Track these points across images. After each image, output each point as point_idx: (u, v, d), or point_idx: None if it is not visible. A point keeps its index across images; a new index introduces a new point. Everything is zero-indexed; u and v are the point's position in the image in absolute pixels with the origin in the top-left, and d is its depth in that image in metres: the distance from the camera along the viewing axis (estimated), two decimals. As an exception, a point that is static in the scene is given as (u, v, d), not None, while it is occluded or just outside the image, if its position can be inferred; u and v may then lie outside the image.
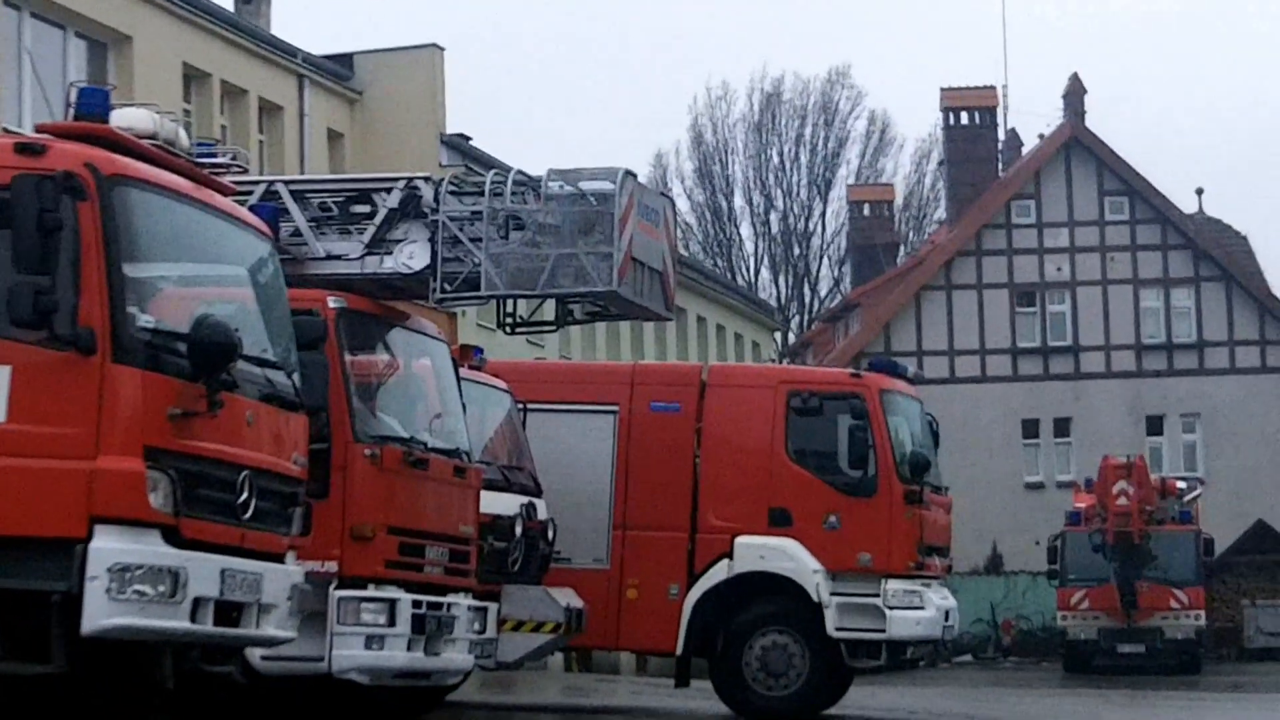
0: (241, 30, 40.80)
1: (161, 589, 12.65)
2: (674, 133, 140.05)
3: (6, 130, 28.92)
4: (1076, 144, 73.24)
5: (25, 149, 13.16)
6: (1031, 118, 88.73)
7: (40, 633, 12.52)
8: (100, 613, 12.39)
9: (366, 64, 44.53)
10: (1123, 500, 50.67)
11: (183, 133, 15.61)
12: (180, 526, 12.88)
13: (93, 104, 14.13)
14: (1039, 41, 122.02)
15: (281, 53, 41.86)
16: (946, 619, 25.68)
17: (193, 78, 38.22)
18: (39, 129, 13.99)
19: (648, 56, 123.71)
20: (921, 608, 24.89)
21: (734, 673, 24.81)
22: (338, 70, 43.82)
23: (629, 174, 21.03)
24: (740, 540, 24.60)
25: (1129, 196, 72.54)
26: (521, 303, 21.79)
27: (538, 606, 22.82)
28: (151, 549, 12.68)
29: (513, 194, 20.59)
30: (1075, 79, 74.13)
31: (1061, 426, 70.45)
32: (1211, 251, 72.29)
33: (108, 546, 12.45)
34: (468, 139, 46.19)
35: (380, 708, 19.67)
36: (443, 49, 45.27)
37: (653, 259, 21.45)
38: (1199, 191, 78.18)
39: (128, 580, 12.47)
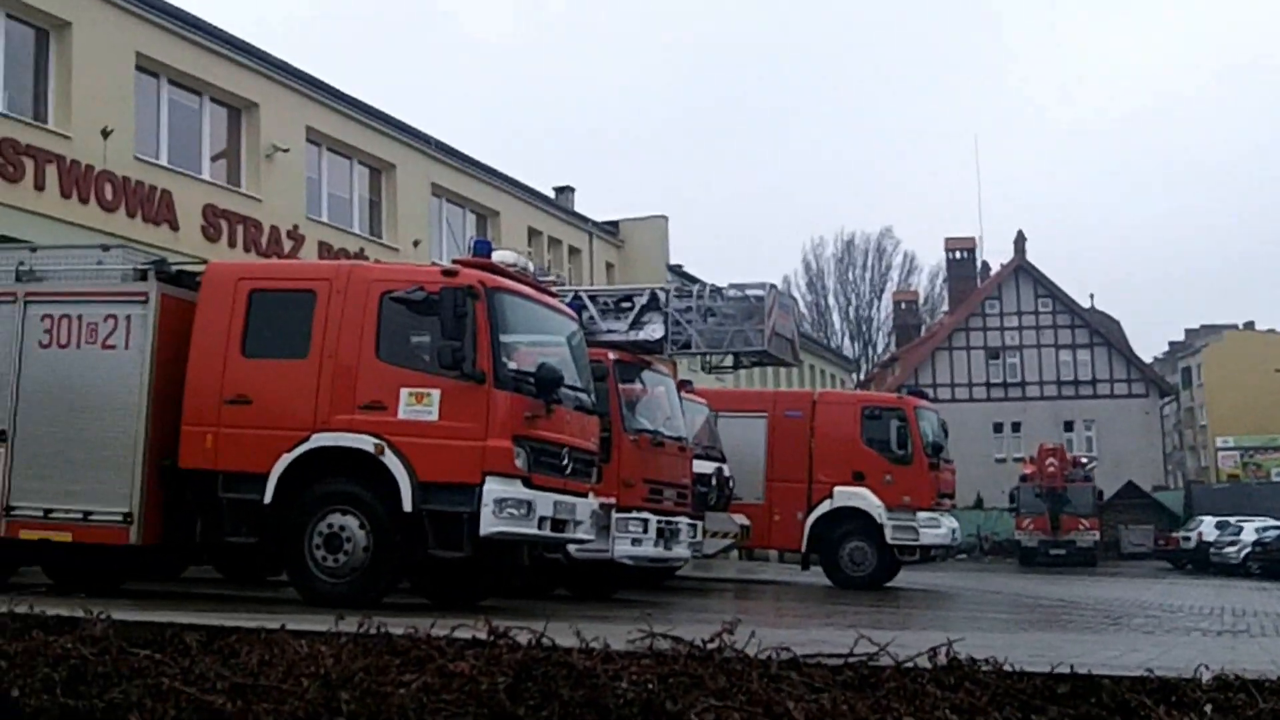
0: (558, 207, 41.18)
1: (522, 511, 12.69)
2: (793, 259, 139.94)
3: (433, 264, 29.29)
4: (1021, 269, 73.57)
5: (447, 273, 13.22)
6: (994, 254, 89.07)
7: (456, 534, 12.57)
8: (488, 524, 12.45)
9: (626, 226, 44.67)
10: (1051, 468, 50.70)
11: (531, 264, 15.79)
12: (531, 477, 12.89)
13: (482, 249, 14.24)
14: (1002, 207, 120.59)
15: (580, 220, 42.13)
16: (953, 534, 25.30)
17: (533, 234, 38.60)
18: (454, 262, 14.01)
19: (778, 217, 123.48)
20: (939, 527, 24.54)
21: (833, 562, 24.64)
22: (610, 230, 44.01)
23: (773, 285, 21.28)
24: (837, 488, 24.41)
25: (1051, 297, 72.91)
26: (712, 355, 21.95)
27: (724, 524, 22.79)
28: (516, 489, 12.69)
29: (709, 296, 20.75)
30: (1020, 233, 74.56)
31: (1015, 426, 70.00)
32: (1099, 329, 72.62)
33: (493, 487, 12.49)
34: (681, 265, 46.34)
35: (640, 577, 19.71)
36: (667, 217, 45.43)
37: (786, 332, 21.57)
38: (1091, 295, 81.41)
39: (503, 506, 12.53)
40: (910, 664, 5.27)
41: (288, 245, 27.60)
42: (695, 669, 4.85)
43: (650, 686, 4.50)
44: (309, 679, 4.48)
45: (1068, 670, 5.50)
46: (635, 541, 17.40)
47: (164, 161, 25.19)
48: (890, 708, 4.69)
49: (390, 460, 12.64)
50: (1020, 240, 73.72)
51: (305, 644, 5.38)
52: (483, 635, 5.43)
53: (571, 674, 4.62)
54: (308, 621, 6.86)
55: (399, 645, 5.35)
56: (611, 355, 18.09)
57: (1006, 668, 5.40)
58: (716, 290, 21.00)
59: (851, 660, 5.29)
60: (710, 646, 5.24)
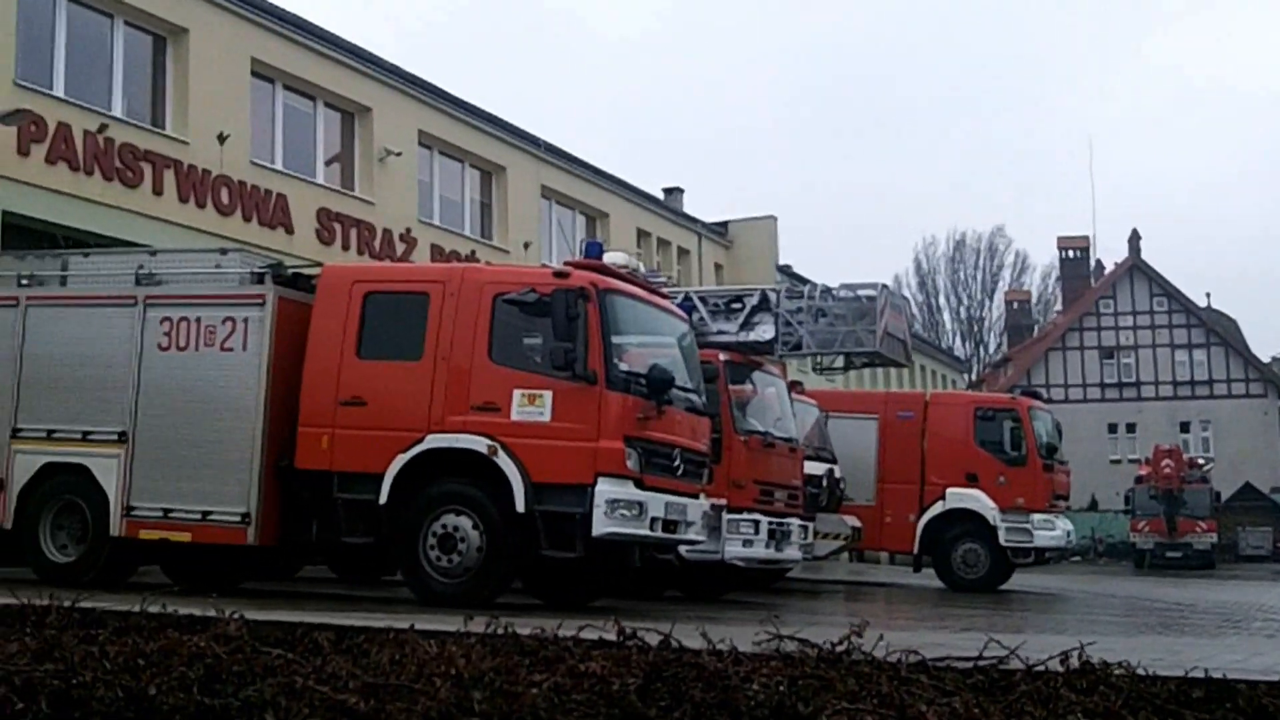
0: (667, 209, 41.17)
1: (634, 512, 12.71)
2: (904, 258, 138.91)
3: (543, 265, 29.46)
4: (1135, 268, 72.22)
5: (559, 274, 13.29)
6: (1108, 252, 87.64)
7: (568, 535, 12.65)
8: (601, 525, 12.49)
9: (735, 227, 44.50)
10: (1167, 469, 49.93)
11: (641, 265, 15.82)
12: (643, 479, 12.91)
13: (593, 250, 14.32)
14: (1115, 205, 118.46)
15: (689, 221, 42.10)
16: (1067, 536, 24.96)
17: (642, 235, 38.60)
18: (566, 263, 14.05)
19: (888, 217, 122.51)
20: (1053, 529, 24.21)
21: (946, 565, 24.43)
22: (719, 231, 43.87)
23: (885, 285, 21.18)
24: (949, 490, 24.19)
25: (1167, 296, 71.54)
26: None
27: (835, 525, 22.72)
28: (628, 490, 12.72)
29: (820, 296, 20.66)
30: (1135, 231, 73.16)
31: (1130, 428, 68.89)
32: (1214, 328, 71.18)
33: (605, 489, 12.53)
34: (790, 266, 46.15)
35: (750, 578, 19.67)
36: (776, 218, 45.21)
37: (898, 332, 21.42)
38: (1207, 294, 78.69)
39: (615, 507, 12.56)
40: (1041, 667, 5.21)
41: (400, 248, 27.90)
42: (825, 672, 4.83)
43: (781, 689, 4.49)
44: (441, 679, 4.53)
45: (1202, 675, 5.40)
46: (746, 543, 17.35)
47: (279, 166, 25.57)
48: (1024, 712, 4.63)
49: (503, 461, 12.75)
50: (1135, 239, 72.55)
51: (435, 644, 5.44)
52: (611, 636, 5.46)
53: (702, 676, 4.62)
54: (432, 621, 6.93)
55: (527, 645, 5.39)
56: (722, 356, 18.05)
57: (1139, 672, 5.31)
58: (827, 290, 20.91)
59: (981, 663, 5.24)
60: (839, 649, 5.21)
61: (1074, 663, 5.33)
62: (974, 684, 5.07)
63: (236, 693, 4.49)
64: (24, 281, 15.35)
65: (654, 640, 5.29)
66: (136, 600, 7.26)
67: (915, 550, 24.71)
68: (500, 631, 5.70)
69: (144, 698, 4.45)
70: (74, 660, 4.73)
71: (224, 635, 5.19)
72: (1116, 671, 5.27)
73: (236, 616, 5.50)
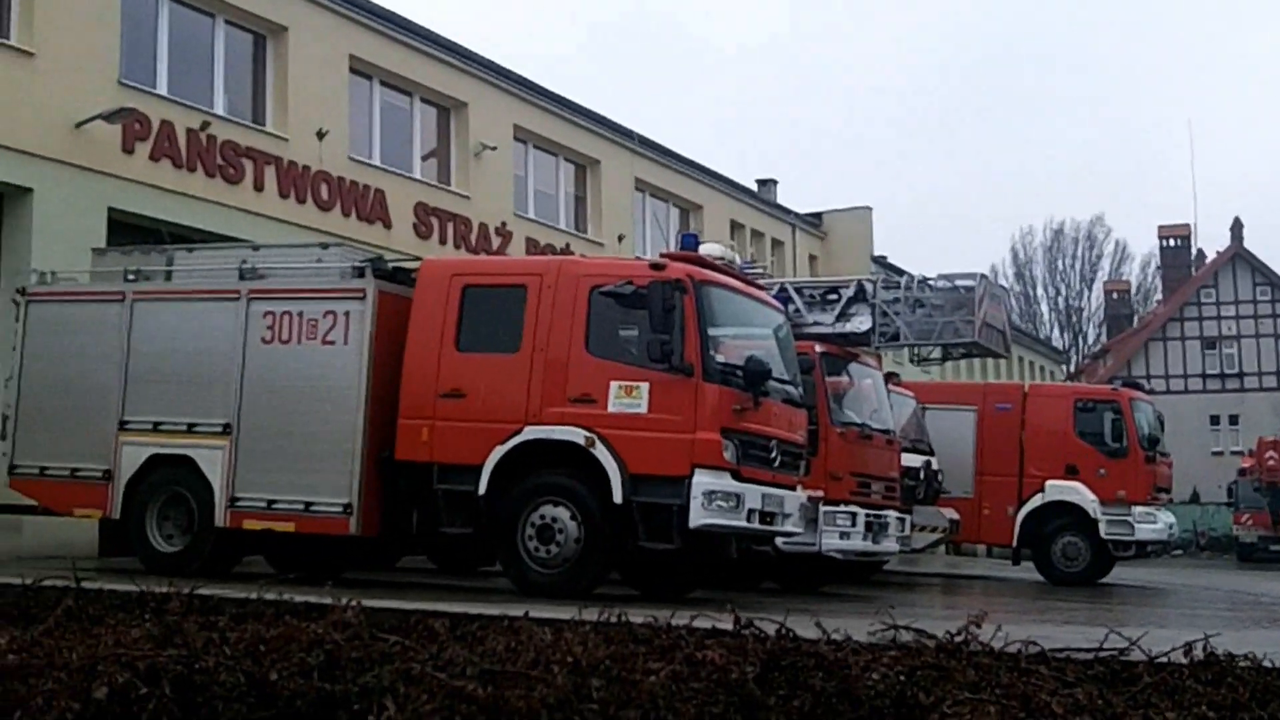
0: (761, 200, 41.01)
1: (731, 504, 12.71)
2: (1001, 248, 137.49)
3: (637, 258, 29.48)
4: (1238, 257, 71.03)
5: (655, 266, 13.30)
6: (1209, 241, 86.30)
7: (665, 526, 12.67)
8: (698, 516, 12.51)
9: (830, 218, 44.27)
10: (1271, 461, 48.91)
11: (737, 257, 15.80)
12: (740, 470, 12.91)
13: (689, 242, 14.36)
14: (1217, 193, 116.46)
15: (783, 213, 41.93)
16: (1169, 529, 24.62)
17: (735, 227, 38.48)
18: (662, 255, 14.07)
19: (983, 206, 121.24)
20: (1155, 522, 23.91)
21: (1045, 558, 24.22)
22: (813, 221, 43.68)
23: (983, 275, 21.03)
24: (1049, 482, 23.98)
25: (1270, 285, 70.36)
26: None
27: (933, 518, 22.59)
28: (725, 482, 12.72)
29: (917, 287, 20.51)
30: (1237, 219, 71.80)
31: (1233, 419, 67.59)
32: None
33: (702, 480, 12.55)
34: (885, 257, 45.82)
35: (847, 571, 19.59)
36: (870, 208, 44.92)
37: (997, 323, 21.21)
38: None
39: (712, 499, 12.56)
40: (1165, 659, 5.13)
41: (496, 242, 28.06)
42: (944, 662, 4.80)
43: (901, 678, 4.46)
44: (558, 666, 4.55)
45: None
46: (843, 535, 17.29)
47: (376, 161, 25.80)
48: (1150, 703, 4.57)
49: (600, 453, 12.80)
50: (1237, 227, 71.27)
51: (549, 632, 5.46)
52: (725, 625, 5.46)
53: (821, 665, 4.61)
54: (546, 610, 6.98)
55: (641, 634, 5.41)
56: (818, 348, 17.99)
57: (1266, 664, 5.22)
58: (924, 281, 20.74)
59: (1102, 654, 5.18)
60: (957, 640, 5.17)
61: (1198, 654, 5.25)
62: (1095, 675, 5.02)
63: (355, 679, 4.54)
64: (130, 277, 15.59)
65: (770, 630, 5.29)
66: (252, 588, 7.37)
67: (1014, 543, 24.53)
68: (614, 620, 5.72)
69: (265, 683, 4.51)
70: (196, 646, 4.80)
71: (341, 622, 5.26)
72: (1242, 664, 5.18)
73: (353, 604, 5.56)
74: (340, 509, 13.73)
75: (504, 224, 28.48)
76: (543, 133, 30.51)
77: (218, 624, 5.27)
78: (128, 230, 20.00)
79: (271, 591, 6.96)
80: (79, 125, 19.82)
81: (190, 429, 14.63)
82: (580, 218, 32.20)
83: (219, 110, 22.72)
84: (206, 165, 21.86)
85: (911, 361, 23.95)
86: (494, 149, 28.26)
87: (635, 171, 33.74)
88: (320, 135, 23.70)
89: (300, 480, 14.00)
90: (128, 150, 20.65)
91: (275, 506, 14.09)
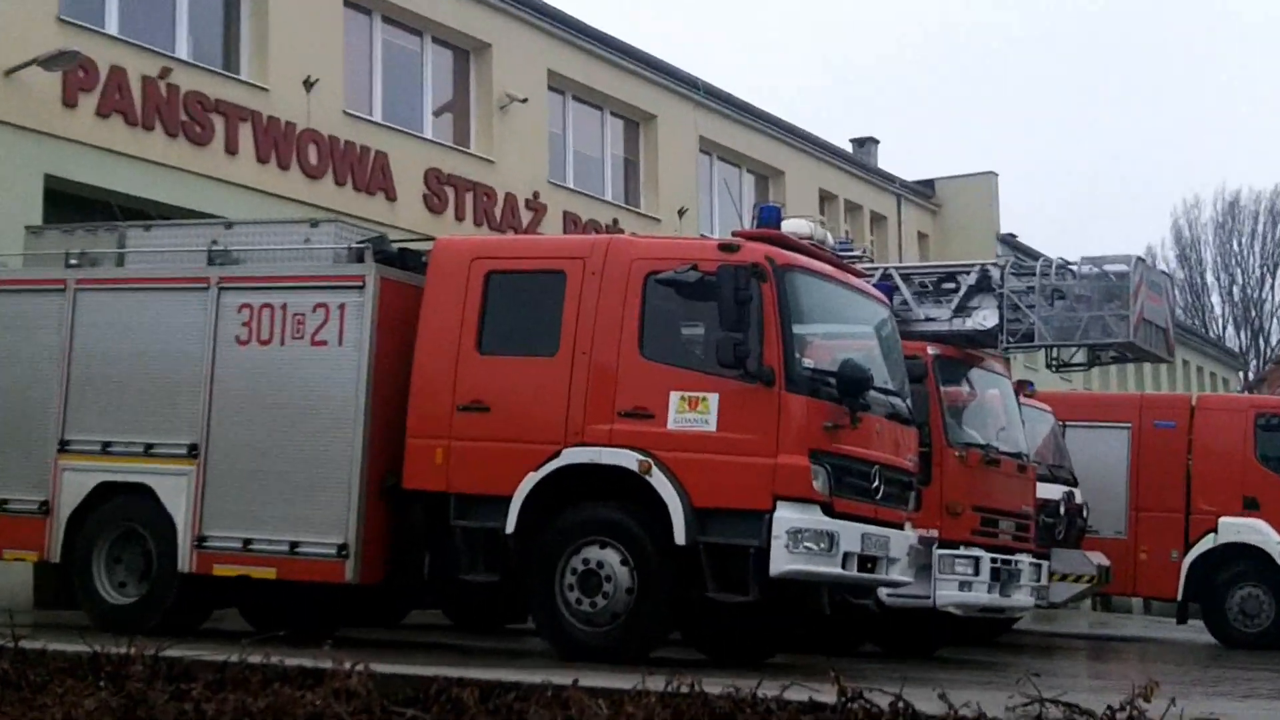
0: (858, 165, 40.99)
1: (822, 545, 12.66)
2: (1160, 226, 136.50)
3: (703, 236, 29.51)
4: None
5: (726, 248, 13.26)
6: None
7: (740, 574, 12.63)
8: (782, 560, 12.46)
9: (944, 186, 44.26)
10: None
11: (829, 235, 15.78)
12: (833, 503, 12.88)
13: (770, 217, 14.22)
14: None
15: (885, 180, 41.89)
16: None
17: (825, 198, 38.47)
18: (734, 234, 14.04)
19: (1137, 174, 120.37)
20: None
21: (1219, 614, 24.05)
22: (923, 191, 43.65)
23: (1140, 259, 20.93)
24: (1223, 520, 23.83)
25: None
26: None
27: (1077, 564, 22.49)
28: (815, 518, 12.68)
29: (1055, 274, 20.41)
30: None
31: None
32: None
33: (786, 516, 12.51)
34: (1014, 236, 45.69)
35: (968, 630, 19.49)
36: (997, 174, 44.83)
37: (1158, 319, 21.09)
38: None
39: (799, 539, 12.52)
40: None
41: (526, 217, 28.16)
42: (1104, 744, 4.75)
43: (1046, 764, 4.42)
44: (624, 750, 4.50)
45: None
46: (963, 585, 17.23)
47: (378, 117, 25.96)
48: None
49: (658, 481, 12.83)
50: None
51: (605, 705, 5.44)
52: (826, 698, 5.42)
53: (952, 749, 4.58)
54: (597, 677, 6.93)
55: (719, 708, 5.38)
56: (931, 349, 17.95)
57: None
58: (1065, 266, 20.61)
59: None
60: (1120, 716, 5.13)
61: None
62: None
63: (367, 764, 4.51)
64: (73, 261, 15.66)
65: (883, 703, 5.25)
66: (231, 649, 7.38)
67: (1179, 596, 24.35)
68: (685, 690, 5.69)
69: (252, 764, 4.50)
70: (166, 720, 4.79)
71: (345, 691, 5.25)
72: None
73: (359, 669, 5.55)
74: (334, 550, 13.80)
75: (536, 195, 28.58)
76: (585, 80, 30.59)
77: (190, 693, 5.28)
78: (70, 204, 20.22)
79: (256, 653, 6.96)
80: (8, 73, 20.04)
81: (148, 451, 14.72)
82: (632, 187, 32.28)
83: (182, 54, 22.93)
84: (167, 122, 22.06)
85: (1049, 367, 23.76)
86: (524, 101, 28.35)
87: (700, 129, 33.80)
88: (308, 85, 23.85)
89: (284, 514, 14.08)
90: (69, 104, 20.85)
91: (253, 547, 14.18)
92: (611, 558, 13.00)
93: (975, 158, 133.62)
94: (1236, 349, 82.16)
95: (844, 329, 14.74)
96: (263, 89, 23.62)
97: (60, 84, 20.63)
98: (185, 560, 14.35)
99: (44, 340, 15.33)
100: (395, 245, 15.03)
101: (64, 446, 15.05)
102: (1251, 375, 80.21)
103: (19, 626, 7.56)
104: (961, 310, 19.99)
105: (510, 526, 13.23)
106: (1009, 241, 44.48)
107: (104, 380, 15.05)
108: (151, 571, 14.62)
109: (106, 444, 14.92)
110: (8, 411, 15.46)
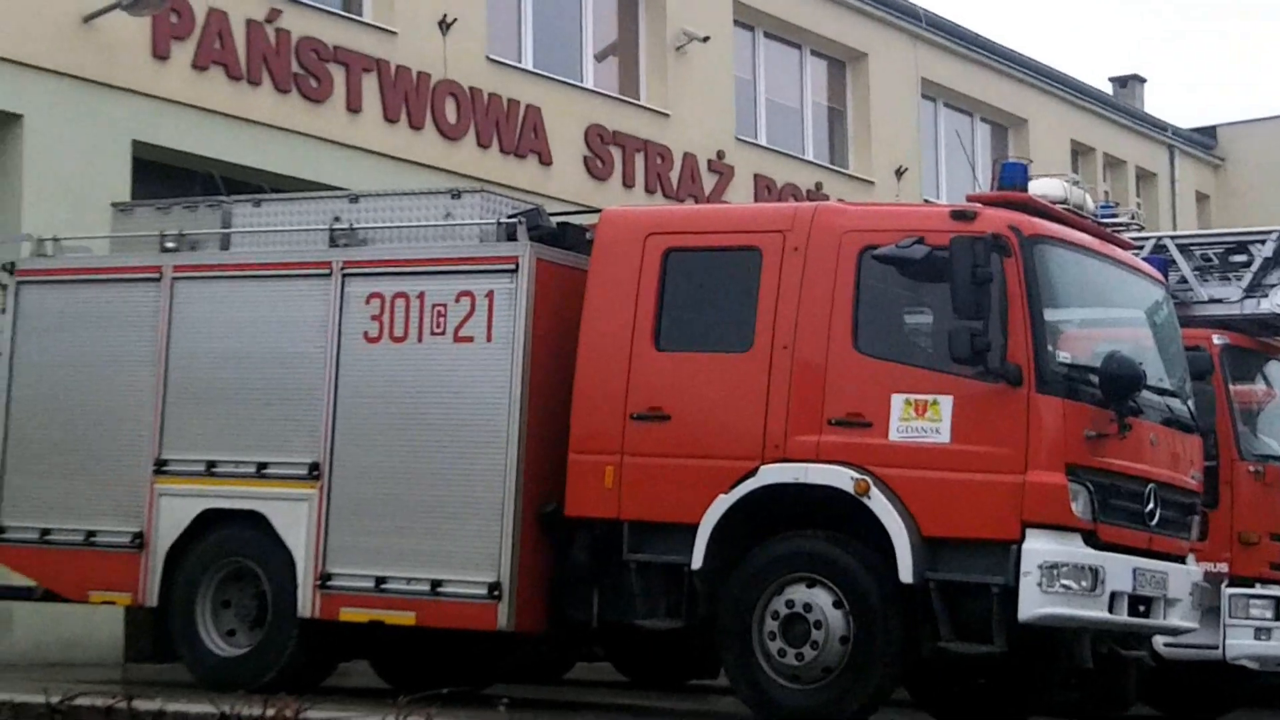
0: (1119, 110, 40.50)
1: (1084, 583, 12.55)
2: None
3: (927, 201, 29.36)
4: None
5: (959, 215, 13.16)
6: None
7: (981, 619, 12.56)
8: (1034, 602, 12.35)
9: (1229, 134, 43.60)
10: None
11: (1088, 198, 15.60)
12: (1097, 531, 12.78)
13: (1014, 176, 14.10)
14: None
15: (1154, 128, 41.36)
16: None
17: (1079, 152, 38.10)
18: (969, 199, 13.92)
19: None
20: None
21: None
22: (1203, 141, 43.06)
23: None
24: None
25: None
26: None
27: None
28: (1075, 549, 12.58)
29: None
30: None
31: None
32: None
33: (1039, 547, 12.41)
34: (1321, 195, 44.94)
35: (1266, 688, 19.14)
36: (1295, 118, 44.13)
37: None
38: None
39: (1056, 576, 12.41)
40: None
41: (709, 182, 28.18)
42: None
43: None
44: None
45: None
46: (1260, 633, 17.00)
47: (528, 64, 26.10)
48: None
49: (878, 504, 12.82)
50: None
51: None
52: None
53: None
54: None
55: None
56: (1217, 339, 17.73)
57: None
58: None
59: None
60: None
61: None
62: None
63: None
64: (169, 245, 15.88)
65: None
66: (385, 709, 7.42)
67: None
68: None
69: None
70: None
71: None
72: None
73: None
74: (484, 591, 13.87)
75: (721, 154, 28.59)
76: (779, 13, 30.55)
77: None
78: (162, 175, 20.53)
79: (417, 715, 6.96)
80: (87, 19, 20.28)
81: (260, 472, 14.94)
82: (838, 143, 32.22)
83: (293, -7, 23.16)
84: (276, 76, 22.32)
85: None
86: (705, 40, 28.35)
87: (923, 69, 33.65)
88: (444, 27, 24.03)
89: (424, 547, 14.19)
90: (160, 56, 21.13)
91: (387, 587, 14.30)
92: (822, 599, 12.97)
93: (1269, 98, 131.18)
94: None
95: (1108, 314, 14.72)
96: (390, 32, 23.82)
97: (149, 32, 20.88)
98: (306, 603, 14.52)
99: (135, 340, 15.61)
100: (553, 219, 15.09)
101: (160, 468, 15.32)
102: None
103: (130, 684, 7.68)
104: (1255, 289, 19.57)
105: (697, 562, 13.27)
106: (1315, 203, 43.77)
107: (207, 387, 15.27)
108: (266, 617, 14.81)
109: (211, 464, 15.16)
110: (94, 427, 15.72)
